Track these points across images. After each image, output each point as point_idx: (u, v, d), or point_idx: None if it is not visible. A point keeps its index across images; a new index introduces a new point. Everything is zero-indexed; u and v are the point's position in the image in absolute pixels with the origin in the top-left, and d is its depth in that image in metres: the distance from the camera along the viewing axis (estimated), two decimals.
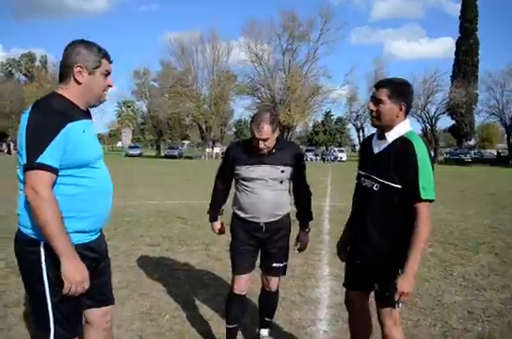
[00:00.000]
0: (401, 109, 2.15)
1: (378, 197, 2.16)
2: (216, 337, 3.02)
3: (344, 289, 2.49)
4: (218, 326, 3.18)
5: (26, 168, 1.69)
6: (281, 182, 2.73)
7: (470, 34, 49.72)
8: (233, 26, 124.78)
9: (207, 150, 47.59)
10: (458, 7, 51.11)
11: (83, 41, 1.88)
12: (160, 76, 50.88)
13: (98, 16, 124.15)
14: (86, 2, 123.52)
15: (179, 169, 26.89)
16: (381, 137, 2.21)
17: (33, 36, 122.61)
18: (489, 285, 4.29)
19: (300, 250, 3.00)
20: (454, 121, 50.10)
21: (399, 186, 2.09)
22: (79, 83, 1.83)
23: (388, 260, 2.15)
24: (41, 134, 1.69)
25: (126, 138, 73.86)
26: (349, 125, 58.54)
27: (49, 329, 1.80)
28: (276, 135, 2.64)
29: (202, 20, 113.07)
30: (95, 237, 1.94)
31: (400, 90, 2.17)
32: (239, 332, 2.97)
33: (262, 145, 2.59)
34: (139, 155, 49.54)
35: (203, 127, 47.58)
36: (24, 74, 65.56)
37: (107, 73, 1.90)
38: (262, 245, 2.80)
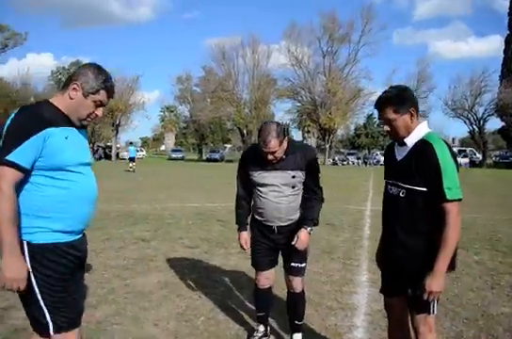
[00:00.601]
0: (412, 115, 2.13)
1: (405, 202, 2.14)
2: None
3: (383, 296, 2.45)
4: (253, 328, 3.16)
5: None
6: (293, 187, 2.74)
7: None
8: (273, 31, 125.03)
9: None
10: (507, 3, 48.91)
11: (97, 67, 1.98)
12: (202, 81, 51.71)
13: (143, 24, 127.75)
14: (131, 11, 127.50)
15: (220, 172, 27.14)
16: (402, 143, 2.19)
17: (81, 44, 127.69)
18: None
19: (297, 247, 2.77)
20: (503, 123, 47.82)
21: (424, 189, 2.07)
22: (71, 98, 1.93)
23: (419, 264, 2.11)
24: (17, 134, 1.79)
25: (169, 142, 75.42)
26: None
27: (47, 322, 1.88)
28: (284, 145, 2.65)
29: (243, 25, 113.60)
30: (77, 237, 2.00)
31: (402, 100, 2.13)
32: None
33: (270, 157, 2.65)
34: (182, 159, 50.49)
35: (244, 131, 47.89)
36: None
37: (100, 104, 1.98)
38: (277, 245, 2.89)
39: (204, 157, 52.44)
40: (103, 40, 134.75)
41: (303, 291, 2.97)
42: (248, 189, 2.93)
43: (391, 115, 2.12)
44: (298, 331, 2.98)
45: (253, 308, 3.44)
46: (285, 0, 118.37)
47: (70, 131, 1.94)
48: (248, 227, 3.01)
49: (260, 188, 2.79)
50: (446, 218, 2.01)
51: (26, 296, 1.89)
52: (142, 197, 11.49)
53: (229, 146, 74.57)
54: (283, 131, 2.64)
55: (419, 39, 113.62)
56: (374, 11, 46.80)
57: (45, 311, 1.87)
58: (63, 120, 1.92)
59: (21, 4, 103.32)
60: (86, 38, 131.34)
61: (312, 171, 2.78)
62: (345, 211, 9.40)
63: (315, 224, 2.83)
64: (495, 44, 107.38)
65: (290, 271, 2.89)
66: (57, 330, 1.89)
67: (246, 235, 2.96)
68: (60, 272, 1.90)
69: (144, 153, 56.54)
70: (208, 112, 47.26)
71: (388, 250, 2.33)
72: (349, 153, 50.04)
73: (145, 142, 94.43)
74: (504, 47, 48.71)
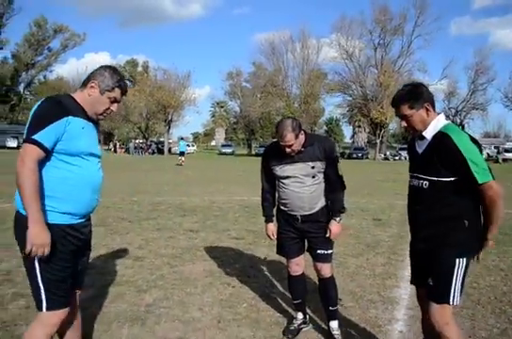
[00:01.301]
0: (428, 109, 2.20)
1: (428, 194, 2.21)
2: (290, 328, 3.09)
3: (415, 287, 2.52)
4: (292, 316, 3.25)
5: (23, 141, 2.02)
6: (313, 176, 2.88)
7: None
8: (323, 24, 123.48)
9: None
10: None
11: (113, 69, 2.24)
12: (251, 77, 52.15)
13: (194, 21, 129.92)
14: (182, 8, 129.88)
15: None
16: (421, 137, 2.26)
17: (136, 43, 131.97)
18: None
19: (330, 239, 2.96)
20: None
21: (451, 179, 2.13)
22: (89, 95, 2.16)
23: (444, 251, 2.19)
24: (42, 118, 2.01)
25: (219, 137, 76.64)
26: None
27: (41, 299, 2.05)
28: (300, 138, 2.81)
29: (292, 19, 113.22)
30: (81, 221, 2.17)
31: (416, 96, 2.22)
32: (312, 330, 3.11)
33: (288, 150, 2.82)
34: (231, 154, 51.18)
35: None
36: (128, 79, 70.98)
37: (114, 100, 2.21)
38: (303, 234, 3.00)
39: (253, 152, 52.85)
40: (156, 39, 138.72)
41: (333, 276, 3.06)
42: (271, 183, 3.10)
43: (406, 111, 2.23)
44: (334, 319, 3.05)
45: None
46: None
47: (86, 123, 2.15)
48: (275, 218, 3.13)
49: (283, 181, 2.95)
50: (485, 201, 2.11)
51: (28, 271, 2.07)
52: (191, 190, 11.84)
53: None
54: (299, 125, 2.80)
55: (479, 28, 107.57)
56: (427, 1, 45.14)
57: (41, 288, 2.04)
58: (81, 112, 2.13)
59: (79, 4, 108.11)
60: (140, 36, 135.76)
61: (330, 161, 2.89)
62: (395, 206, 9.23)
63: (342, 212, 2.96)
64: None
65: (317, 258, 2.99)
66: (50, 308, 2.06)
67: (272, 227, 3.13)
68: (62, 252, 2.07)
69: (195, 148, 57.80)
70: (258, 107, 47.60)
71: (413, 241, 2.42)
72: (401, 148, 48.57)
73: (196, 137, 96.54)
74: None
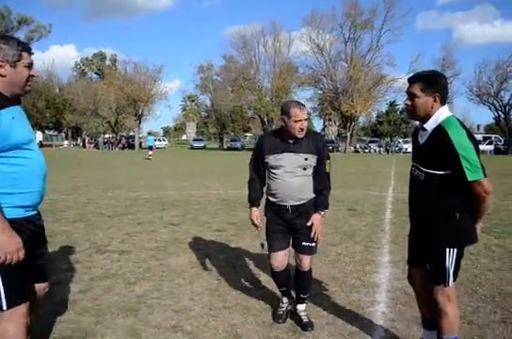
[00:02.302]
0: (435, 100, 2.27)
1: (424, 185, 2.35)
2: (279, 313, 3.24)
3: (407, 266, 2.69)
4: (279, 301, 3.40)
5: None
6: (305, 169, 2.98)
7: None
8: (294, 18, 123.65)
9: None
10: None
11: (2, 37, 2.06)
12: (223, 70, 51.87)
13: (164, 13, 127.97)
14: (152, 0, 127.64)
15: (241, 160, 27.44)
16: (423, 128, 2.35)
17: (103, 35, 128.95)
18: None
19: (312, 229, 3.03)
20: None
21: (441, 173, 2.25)
22: (2, 76, 2.00)
23: (436, 241, 2.33)
24: None
25: (191, 132, 76.14)
26: None
27: (1, 298, 1.99)
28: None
29: (263, 12, 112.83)
30: (34, 213, 2.15)
31: (432, 82, 2.29)
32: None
33: (305, 124, 2.91)
34: (203, 148, 51.03)
35: (265, 119, 47.94)
36: (96, 73, 69.40)
37: (30, 65, 2.07)
38: (291, 226, 3.06)
39: (225, 146, 52.83)
40: (125, 31, 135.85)
41: (311, 269, 3.17)
42: (261, 173, 3.16)
43: (417, 91, 2.29)
44: (302, 303, 3.20)
45: None
46: None
47: (13, 110, 2.01)
48: (262, 208, 3.17)
49: (274, 171, 3.02)
50: (474, 196, 2.23)
51: None
52: (167, 185, 11.84)
53: (249, 135, 74.77)
54: None
55: (444, 23, 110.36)
56: None
57: (1, 288, 1.98)
58: (5, 100, 1.99)
59: None
60: (108, 29, 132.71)
61: (321, 156, 3.01)
62: (368, 197, 9.54)
63: (327, 208, 3.12)
64: None
65: (301, 250, 3.07)
66: (11, 306, 2.00)
67: (257, 212, 3.17)
68: None
69: (166, 142, 57.24)
70: (229, 101, 47.47)
71: (411, 226, 2.57)
72: (371, 141, 49.61)
73: (167, 132, 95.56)
74: None
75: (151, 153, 25.53)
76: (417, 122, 2.49)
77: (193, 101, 74.48)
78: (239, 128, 72.32)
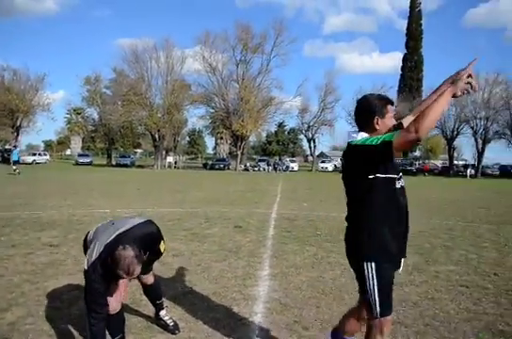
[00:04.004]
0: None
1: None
2: (161, 323, 3.31)
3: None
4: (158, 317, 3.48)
5: None
6: None
7: (415, 51, 52.80)
8: (188, 35, 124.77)
9: (161, 159, 47.29)
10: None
11: None
12: (113, 84, 50.22)
13: (49, 18, 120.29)
14: (34, 2, 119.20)
15: (130, 177, 26.65)
16: None
17: None
18: (410, 282, 4.82)
19: None
20: None
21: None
22: None
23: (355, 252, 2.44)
24: None
25: (76, 146, 71.72)
26: (301, 136, 59.57)
27: None
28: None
29: (156, 27, 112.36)
30: None
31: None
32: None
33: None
34: (89, 164, 48.44)
35: (156, 136, 47.25)
36: None
37: None
38: None
39: (114, 162, 50.77)
40: (3, 35, 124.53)
41: (156, 278, 3.43)
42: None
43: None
44: (162, 309, 3.47)
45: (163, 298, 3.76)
46: (199, 6, 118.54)
47: None
48: None
49: None
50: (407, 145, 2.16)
51: None
52: (48, 203, 11.10)
53: (139, 151, 72.84)
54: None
55: (328, 51, 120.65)
56: (285, 25, 49.65)
57: None
58: None
59: None
60: None
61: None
62: (254, 214, 9.96)
63: None
64: (397, 61, 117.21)
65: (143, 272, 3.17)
66: None
67: None
68: None
69: (47, 157, 53.12)
70: (119, 116, 45.97)
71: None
72: (260, 160, 51.53)
73: (48, 146, 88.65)
74: (401, 64, 53.75)
75: (15, 167, 24.49)
76: None
77: (79, 114, 70.41)
78: (129, 144, 70.13)
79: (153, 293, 3.45)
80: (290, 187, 21.00)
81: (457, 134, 47.60)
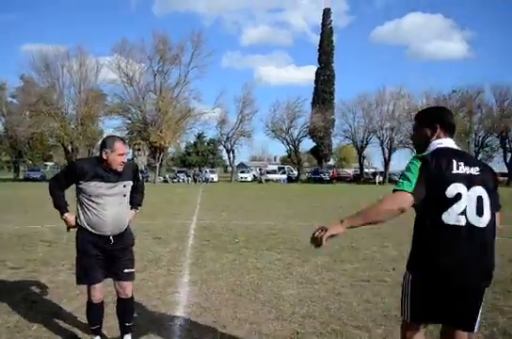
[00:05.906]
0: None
1: None
2: None
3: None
4: (83, 332, 3.55)
5: None
6: (125, 195, 3.20)
7: (327, 65, 55.80)
8: (102, 43, 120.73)
9: None
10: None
11: None
12: (19, 92, 47.08)
13: None
14: None
15: (41, 192, 25.11)
16: None
17: None
18: (320, 280, 5.29)
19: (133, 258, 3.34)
20: (314, 144, 55.30)
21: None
22: None
23: None
24: None
25: None
26: (221, 147, 60.06)
27: None
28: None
29: (69, 34, 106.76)
30: None
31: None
32: None
33: (125, 158, 3.12)
34: None
35: (69, 148, 44.97)
36: None
37: None
38: (112, 253, 3.14)
39: (22, 176, 47.41)
40: None
41: (133, 296, 3.33)
42: (63, 188, 3.25)
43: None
44: (129, 332, 3.33)
45: (83, 316, 3.76)
46: (115, 14, 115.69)
47: None
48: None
49: (94, 199, 3.05)
50: None
51: None
52: None
53: (50, 164, 68.73)
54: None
55: (246, 63, 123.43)
56: (203, 37, 49.51)
57: None
58: None
59: None
60: None
61: (136, 180, 3.32)
62: (173, 225, 10.07)
63: (140, 205, 3.50)
64: (311, 74, 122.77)
65: (124, 278, 3.19)
66: None
67: (72, 217, 3.20)
68: None
69: None
70: (27, 127, 43.03)
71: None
72: (179, 171, 51.06)
73: None
74: (315, 78, 56.46)
75: None
76: None
77: None
78: (38, 157, 65.87)
79: (126, 311, 3.28)
80: (209, 198, 21.23)
81: (367, 143, 51.07)
